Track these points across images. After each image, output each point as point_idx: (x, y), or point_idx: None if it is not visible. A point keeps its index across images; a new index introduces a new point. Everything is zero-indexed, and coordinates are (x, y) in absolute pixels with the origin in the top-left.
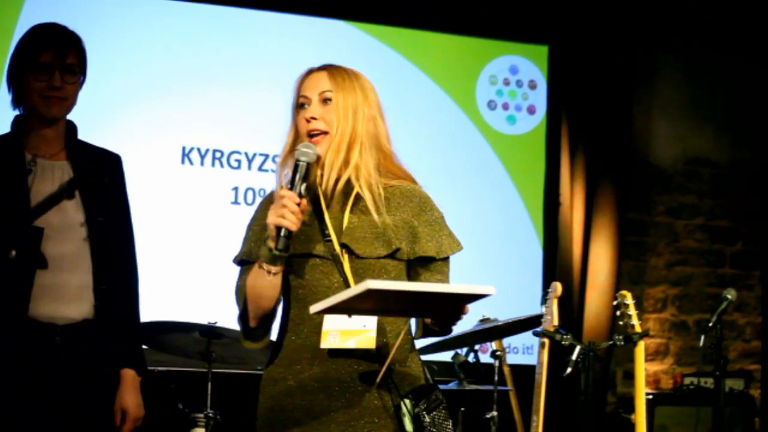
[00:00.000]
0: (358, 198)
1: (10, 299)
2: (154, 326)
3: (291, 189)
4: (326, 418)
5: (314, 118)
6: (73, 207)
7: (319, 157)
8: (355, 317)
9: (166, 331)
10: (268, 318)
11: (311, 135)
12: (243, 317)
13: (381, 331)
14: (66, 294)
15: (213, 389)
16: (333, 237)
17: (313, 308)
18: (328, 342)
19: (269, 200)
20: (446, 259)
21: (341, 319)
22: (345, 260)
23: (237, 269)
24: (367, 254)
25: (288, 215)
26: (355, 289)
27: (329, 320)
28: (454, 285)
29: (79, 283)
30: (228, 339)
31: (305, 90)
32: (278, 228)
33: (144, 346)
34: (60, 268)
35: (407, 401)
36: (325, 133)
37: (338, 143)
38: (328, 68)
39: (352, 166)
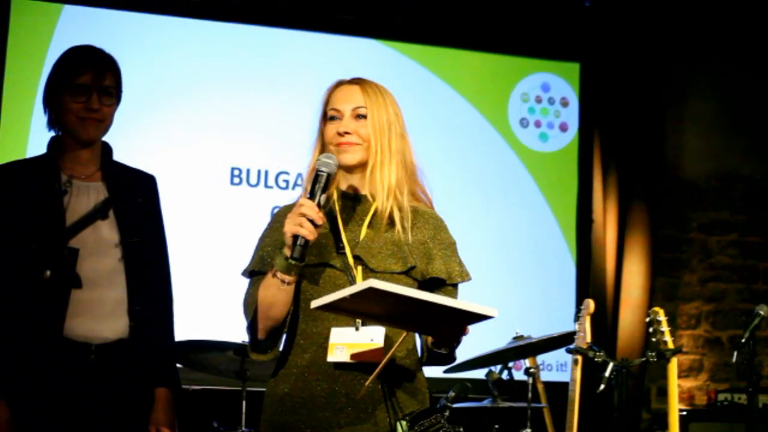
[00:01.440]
0: (376, 213)
1: (46, 319)
2: (189, 345)
3: (311, 199)
4: None
5: (348, 133)
6: (107, 228)
7: (339, 168)
8: (362, 330)
9: (201, 349)
10: (277, 330)
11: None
12: (252, 328)
13: (388, 347)
14: (101, 313)
15: (247, 407)
16: (347, 249)
17: (315, 303)
18: (335, 355)
19: (282, 213)
20: (456, 286)
21: (348, 332)
22: (358, 273)
23: None
24: (381, 268)
25: (306, 224)
26: (357, 286)
27: (336, 334)
28: (456, 301)
29: (113, 303)
30: None
31: (336, 103)
32: (295, 237)
33: (179, 365)
34: (95, 288)
35: (403, 423)
36: (350, 145)
37: (373, 159)
38: (359, 83)
39: (379, 182)
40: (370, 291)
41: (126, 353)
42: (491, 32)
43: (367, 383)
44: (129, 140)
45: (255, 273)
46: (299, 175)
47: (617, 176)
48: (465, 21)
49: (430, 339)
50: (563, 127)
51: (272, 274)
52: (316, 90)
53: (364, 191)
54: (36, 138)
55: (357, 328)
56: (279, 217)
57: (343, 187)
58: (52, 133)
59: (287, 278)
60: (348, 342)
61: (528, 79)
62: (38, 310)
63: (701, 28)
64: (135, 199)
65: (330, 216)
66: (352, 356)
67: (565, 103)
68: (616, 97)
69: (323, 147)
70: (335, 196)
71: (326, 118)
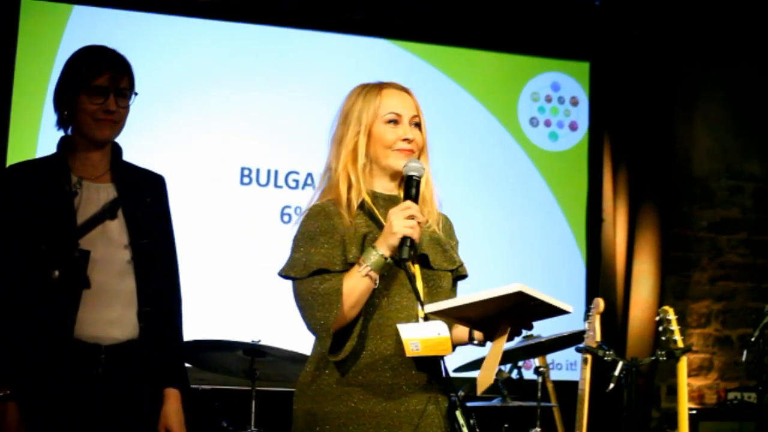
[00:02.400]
0: None
1: (56, 320)
2: (198, 345)
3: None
4: (397, 423)
5: (413, 140)
6: (117, 228)
7: (381, 169)
8: (427, 325)
9: (211, 349)
10: (347, 328)
11: (399, 150)
12: (326, 327)
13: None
14: (110, 315)
15: (257, 407)
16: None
17: (433, 307)
18: (412, 349)
19: (319, 211)
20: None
21: (415, 327)
22: (416, 270)
23: (281, 287)
24: (437, 266)
25: (417, 227)
26: (505, 289)
27: (404, 329)
28: (557, 301)
29: (123, 305)
30: (272, 357)
31: (397, 107)
32: (404, 238)
33: (188, 365)
34: (105, 290)
35: (458, 413)
36: (412, 152)
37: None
38: (410, 92)
39: (423, 187)
40: (520, 293)
41: (136, 354)
42: (501, 31)
43: (490, 380)
44: (139, 140)
45: (321, 272)
46: (309, 174)
47: (627, 175)
48: (474, 20)
49: (477, 334)
50: (573, 127)
51: (363, 274)
52: (326, 89)
53: (395, 192)
54: (46, 138)
55: (422, 324)
56: (326, 215)
57: (379, 189)
58: (62, 133)
59: (378, 276)
60: (420, 337)
61: (538, 78)
62: (48, 311)
63: (711, 27)
64: (144, 199)
65: (370, 216)
66: (425, 349)
67: (574, 103)
68: (626, 97)
69: (371, 143)
70: (368, 197)
71: (385, 120)
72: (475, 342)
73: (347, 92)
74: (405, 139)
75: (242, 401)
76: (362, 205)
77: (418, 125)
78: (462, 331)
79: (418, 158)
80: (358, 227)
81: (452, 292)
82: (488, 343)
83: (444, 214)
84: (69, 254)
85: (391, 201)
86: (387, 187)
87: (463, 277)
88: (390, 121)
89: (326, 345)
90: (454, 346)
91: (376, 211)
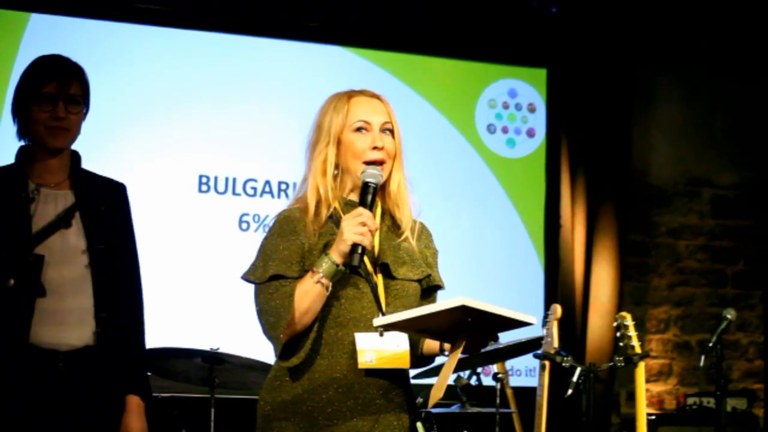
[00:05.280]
0: (386, 222)
1: (11, 326)
2: (156, 352)
3: (368, 209)
4: None
5: (382, 148)
6: (74, 235)
7: (351, 178)
8: (386, 336)
9: (169, 357)
10: (300, 335)
11: (370, 163)
12: (276, 333)
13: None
14: (67, 320)
15: (216, 415)
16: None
17: (380, 320)
18: (365, 360)
19: (289, 219)
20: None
21: (373, 338)
22: (378, 279)
23: (240, 294)
24: (401, 276)
25: (368, 234)
26: (447, 304)
27: (362, 339)
28: (518, 313)
29: (80, 310)
30: (230, 365)
31: (366, 115)
32: (354, 245)
33: (148, 373)
34: (61, 295)
35: (419, 424)
36: (383, 162)
37: (397, 174)
38: (382, 99)
39: (396, 194)
40: (464, 308)
41: (94, 360)
42: (458, 38)
43: (440, 394)
44: (96, 148)
45: (277, 277)
46: (267, 182)
47: (585, 181)
48: (431, 27)
49: (447, 345)
50: (530, 133)
51: (315, 281)
52: (283, 97)
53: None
54: (5, 147)
55: (381, 334)
56: (289, 222)
57: (353, 197)
58: (23, 143)
59: (330, 284)
60: (376, 348)
61: (495, 85)
62: (3, 317)
63: (667, 33)
64: (103, 206)
65: (337, 225)
66: (379, 361)
67: (532, 109)
68: (583, 103)
69: (341, 152)
70: (338, 204)
71: (354, 128)
72: (446, 353)
73: (306, 99)
74: (375, 147)
75: (201, 409)
76: (332, 215)
77: (391, 131)
78: (435, 342)
79: (392, 165)
80: (322, 235)
81: (423, 304)
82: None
83: (421, 222)
84: (23, 260)
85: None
86: (359, 195)
87: (438, 287)
88: (359, 129)
89: (277, 350)
90: (429, 358)
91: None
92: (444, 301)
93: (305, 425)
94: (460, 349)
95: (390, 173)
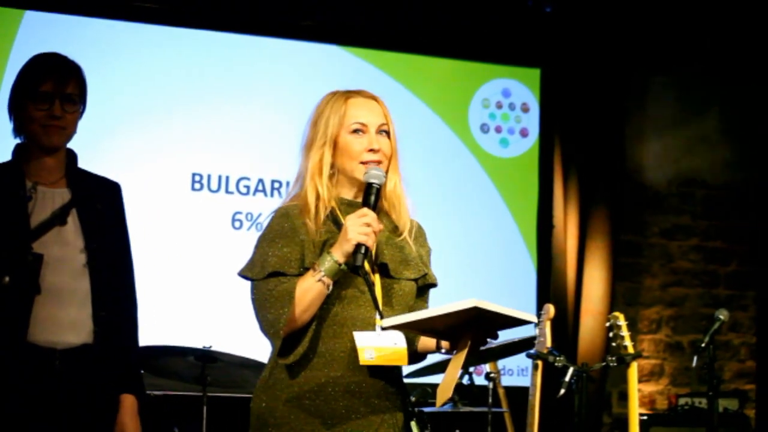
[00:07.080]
0: (383, 222)
1: (9, 325)
2: (149, 351)
3: (372, 209)
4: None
5: (378, 150)
6: (72, 233)
7: (349, 179)
8: (384, 334)
9: (162, 355)
10: (297, 333)
11: (365, 163)
12: (275, 329)
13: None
14: (65, 319)
15: (208, 413)
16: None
17: (390, 321)
18: (366, 358)
19: (287, 216)
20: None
21: (371, 336)
22: (376, 279)
23: (233, 293)
24: (398, 275)
25: (372, 235)
26: (459, 305)
27: (361, 338)
28: (521, 312)
29: (78, 309)
30: (223, 363)
31: (363, 117)
32: (358, 245)
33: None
34: (59, 294)
35: (413, 423)
36: (380, 162)
37: (393, 175)
38: (378, 100)
39: (393, 195)
40: (477, 309)
41: (91, 358)
42: (452, 38)
43: (449, 393)
44: (89, 146)
45: (276, 274)
46: (260, 180)
47: (578, 181)
48: (425, 27)
49: (444, 343)
50: (524, 133)
51: (316, 279)
52: (277, 95)
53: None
54: (0, 145)
55: (379, 333)
56: (288, 219)
57: (349, 196)
58: (18, 141)
59: (332, 282)
60: (375, 345)
61: (489, 84)
62: (1, 316)
63: (661, 33)
64: (99, 205)
65: (335, 223)
66: (379, 359)
67: (525, 109)
68: (577, 103)
69: (337, 153)
70: (336, 204)
71: (350, 130)
72: (443, 351)
73: (300, 98)
74: (371, 150)
75: (193, 407)
76: (329, 213)
77: (387, 133)
78: (430, 339)
79: (388, 166)
80: (320, 233)
81: (419, 302)
82: (455, 352)
83: (417, 222)
84: (22, 258)
85: (358, 209)
86: (355, 195)
87: (433, 285)
88: (355, 131)
89: (276, 347)
90: (422, 355)
91: (342, 219)
92: (456, 303)
93: (301, 424)
94: (467, 349)
95: (386, 174)
